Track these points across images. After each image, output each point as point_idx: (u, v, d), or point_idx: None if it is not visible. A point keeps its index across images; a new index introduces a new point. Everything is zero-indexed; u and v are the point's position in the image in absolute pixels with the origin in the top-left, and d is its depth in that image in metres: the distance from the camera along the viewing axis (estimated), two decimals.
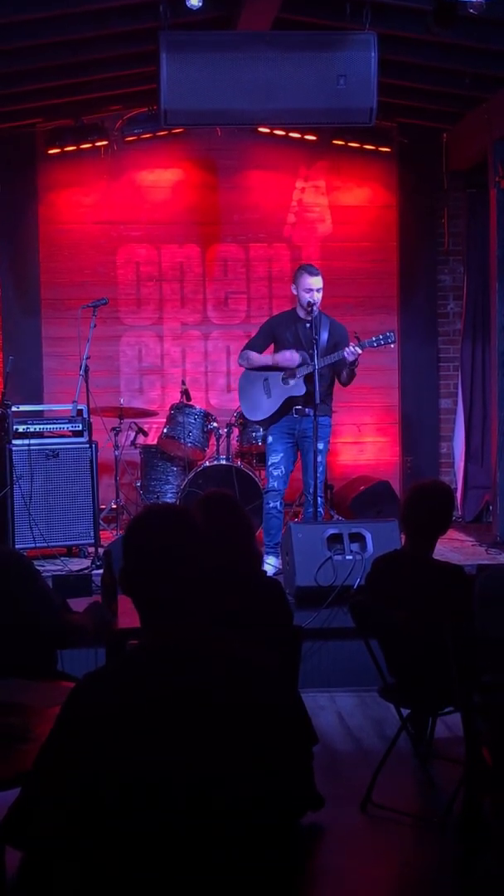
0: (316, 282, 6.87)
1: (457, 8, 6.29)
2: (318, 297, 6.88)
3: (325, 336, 6.90)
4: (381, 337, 6.95)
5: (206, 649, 2.21)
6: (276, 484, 7.06)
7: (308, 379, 6.86)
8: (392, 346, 7.06)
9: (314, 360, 6.69)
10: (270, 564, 6.96)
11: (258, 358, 7.11)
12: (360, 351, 6.79)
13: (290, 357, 6.94)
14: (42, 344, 9.05)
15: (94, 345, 7.70)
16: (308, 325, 6.93)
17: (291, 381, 6.95)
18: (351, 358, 6.78)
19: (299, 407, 6.94)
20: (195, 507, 4.10)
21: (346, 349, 6.78)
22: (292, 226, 9.41)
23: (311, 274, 6.91)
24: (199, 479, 7.72)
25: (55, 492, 7.33)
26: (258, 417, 7.18)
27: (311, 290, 6.86)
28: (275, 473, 7.05)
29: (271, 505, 7.08)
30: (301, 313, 7.00)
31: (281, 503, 7.13)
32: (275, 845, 2.13)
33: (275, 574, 6.71)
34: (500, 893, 3.71)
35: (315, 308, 6.85)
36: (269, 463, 7.07)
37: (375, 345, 6.93)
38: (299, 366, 6.91)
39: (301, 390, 6.92)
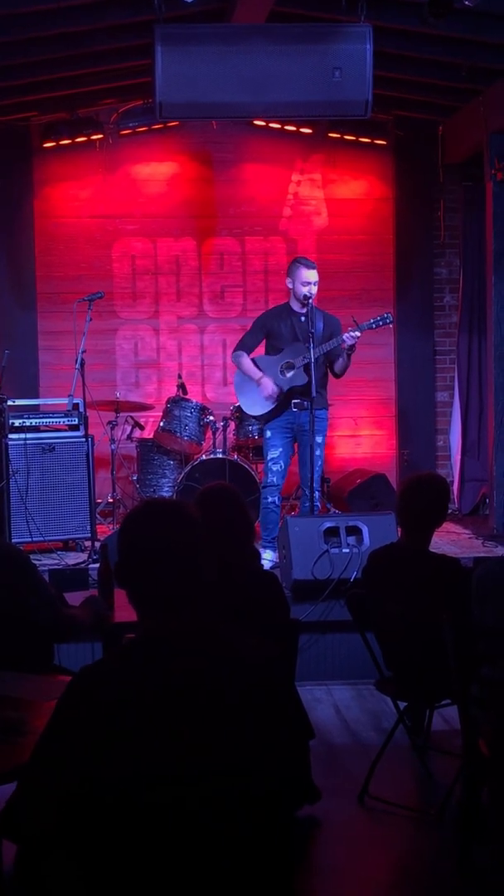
0: (312, 275, 6.88)
1: (452, 0, 6.28)
2: (314, 290, 6.89)
3: (320, 326, 6.89)
4: (378, 319, 6.96)
5: (203, 642, 2.21)
6: (274, 479, 7.06)
7: (308, 368, 6.86)
8: (390, 326, 7.10)
9: (311, 355, 6.69)
10: (268, 559, 6.96)
11: (247, 367, 7.10)
12: (358, 334, 6.77)
13: (264, 390, 6.95)
14: (38, 338, 9.05)
15: (89, 338, 7.69)
16: (303, 317, 6.93)
17: (290, 373, 6.95)
18: (350, 342, 6.76)
19: (297, 401, 6.94)
20: (196, 499, 4.09)
21: (346, 334, 6.78)
22: (288, 219, 9.40)
23: (308, 267, 6.91)
24: (195, 472, 7.72)
25: (51, 486, 7.32)
26: (258, 412, 7.18)
27: (309, 283, 6.87)
28: (274, 468, 7.05)
29: (269, 500, 7.09)
30: (295, 306, 7.00)
31: (279, 497, 7.14)
32: (271, 838, 2.13)
33: (272, 568, 6.72)
34: (497, 885, 3.72)
35: (310, 301, 6.85)
36: (269, 458, 7.07)
37: (374, 326, 6.95)
38: (269, 397, 6.92)
39: (302, 380, 6.88)
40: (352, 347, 6.82)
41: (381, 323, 6.96)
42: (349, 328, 6.84)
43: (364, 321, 6.94)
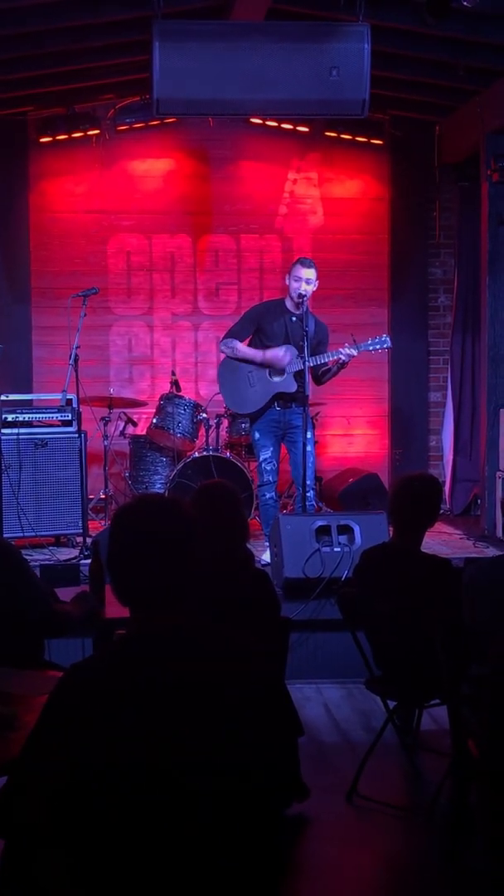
0: (307, 273, 6.86)
1: (450, 0, 6.28)
2: (307, 288, 6.87)
3: (311, 330, 6.89)
4: (377, 340, 6.99)
5: (195, 638, 2.21)
6: (270, 478, 7.07)
7: (298, 375, 6.87)
8: (387, 349, 7.12)
9: (306, 355, 6.69)
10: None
11: (245, 351, 7.05)
12: (355, 353, 6.83)
13: (282, 356, 6.91)
14: (32, 333, 9.04)
15: (84, 334, 7.68)
16: (295, 318, 6.94)
17: (278, 378, 6.96)
18: (346, 359, 6.81)
19: (281, 400, 6.96)
20: (195, 495, 4.10)
21: (342, 350, 6.81)
22: (284, 217, 9.40)
23: (304, 265, 6.91)
24: (188, 469, 7.71)
25: (44, 481, 7.31)
26: (246, 410, 7.17)
27: (301, 279, 6.85)
28: (268, 468, 7.07)
29: (268, 496, 7.10)
30: (290, 305, 7.00)
31: (276, 493, 7.17)
32: (260, 835, 2.13)
33: (264, 566, 6.71)
34: (485, 884, 3.73)
35: (305, 301, 6.85)
36: (261, 459, 7.08)
37: (371, 349, 6.97)
38: (288, 364, 6.91)
39: (292, 387, 6.92)
40: (344, 364, 6.85)
41: (378, 346, 6.98)
42: (346, 344, 6.85)
43: (363, 341, 6.95)
